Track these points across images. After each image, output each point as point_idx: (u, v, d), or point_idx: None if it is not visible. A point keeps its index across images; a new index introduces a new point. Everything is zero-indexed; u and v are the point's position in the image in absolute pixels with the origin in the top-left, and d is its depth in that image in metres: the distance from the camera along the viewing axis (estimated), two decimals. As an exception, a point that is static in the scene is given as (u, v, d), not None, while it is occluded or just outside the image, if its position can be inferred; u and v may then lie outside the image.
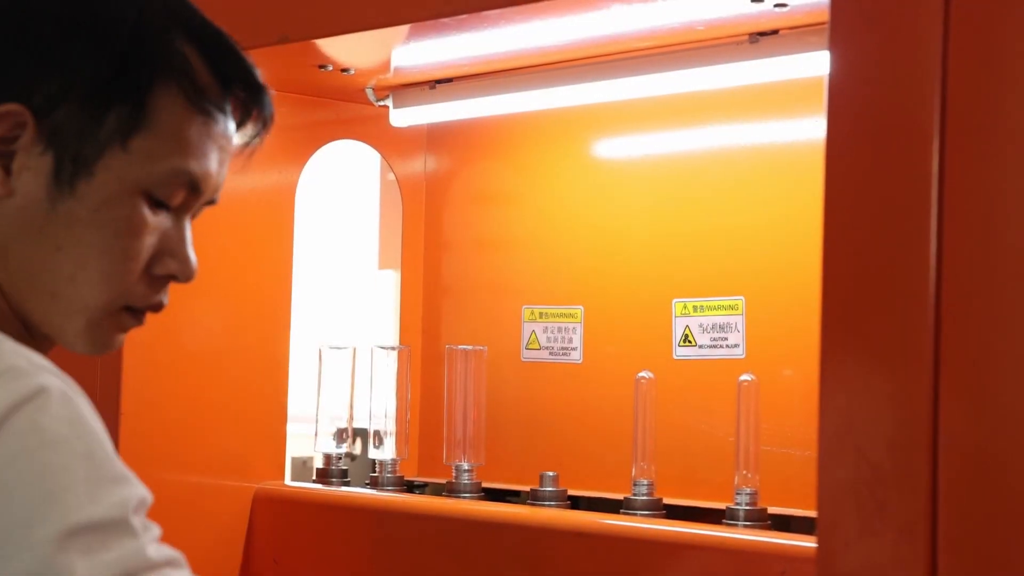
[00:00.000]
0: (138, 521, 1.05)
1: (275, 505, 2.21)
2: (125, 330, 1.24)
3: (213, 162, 1.22)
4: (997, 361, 1.17)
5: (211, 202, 1.25)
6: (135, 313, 1.23)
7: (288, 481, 2.29)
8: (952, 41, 1.19)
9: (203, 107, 1.20)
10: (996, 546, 1.15)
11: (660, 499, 1.92)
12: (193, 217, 1.24)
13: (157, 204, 1.20)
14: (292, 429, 2.30)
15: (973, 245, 1.18)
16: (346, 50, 2.06)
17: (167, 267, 1.22)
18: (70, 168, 1.16)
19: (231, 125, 1.24)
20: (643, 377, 1.95)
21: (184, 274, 1.22)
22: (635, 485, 1.92)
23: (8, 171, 1.16)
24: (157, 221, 1.20)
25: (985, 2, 1.19)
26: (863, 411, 1.21)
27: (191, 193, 1.21)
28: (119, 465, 1.07)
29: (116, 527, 1.03)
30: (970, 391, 1.17)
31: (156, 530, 1.07)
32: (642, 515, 1.89)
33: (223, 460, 2.20)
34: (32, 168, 1.16)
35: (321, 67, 2.12)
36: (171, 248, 1.22)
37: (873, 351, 1.22)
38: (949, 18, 1.20)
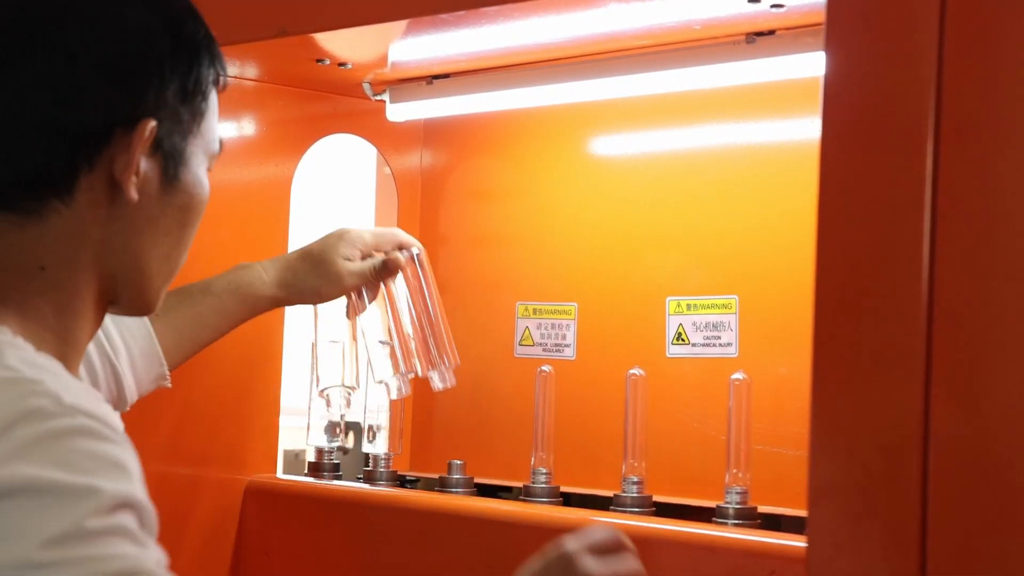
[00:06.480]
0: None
1: (267, 498, 2.21)
2: None
3: None
4: (989, 363, 1.17)
5: None
6: None
7: (280, 474, 2.29)
8: (948, 42, 1.20)
9: (224, 85, 1.36)
10: (986, 549, 1.16)
11: (650, 496, 1.92)
12: None
13: None
14: (285, 422, 2.30)
15: (966, 246, 1.18)
16: (344, 44, 2.06)
17: None
18: (173, 163, 1.30)
19: None
20: (634, 374, 1.95)
21: None
22: (625, 482, 1.92)
23: (138, 176, 1.27)
24: None
25: (981, 3, 1.20)
26: (854, 412, 1.21)
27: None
28: None
29: None
30: (962, 393, 1.17)
31: None
32: (632, 512, 1.89)
33: (215, 452, 2.20)
34: (147, 170, 1.28)
35: (318, 61, 2.12)
36: None
37: (865, 352, 1.22)
38: (945, 19, 1.20)
